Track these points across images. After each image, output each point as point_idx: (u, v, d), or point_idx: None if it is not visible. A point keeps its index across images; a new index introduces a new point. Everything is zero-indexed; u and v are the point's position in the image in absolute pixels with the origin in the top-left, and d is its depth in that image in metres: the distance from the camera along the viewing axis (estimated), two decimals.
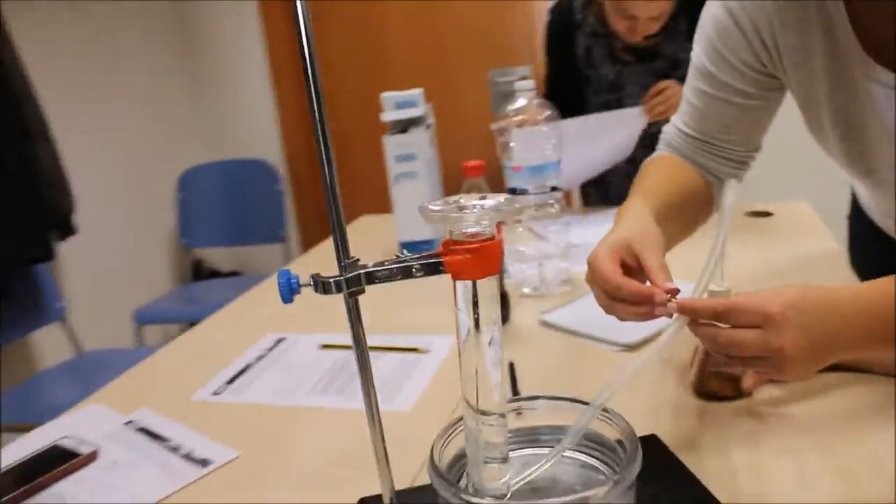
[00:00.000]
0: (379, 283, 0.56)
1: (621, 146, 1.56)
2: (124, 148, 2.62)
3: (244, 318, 1.29)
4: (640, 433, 0.61)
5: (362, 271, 0.56)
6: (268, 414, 0.95)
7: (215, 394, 1.02)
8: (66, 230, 2.16)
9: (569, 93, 1.66)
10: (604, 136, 1.50)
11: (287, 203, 2.79)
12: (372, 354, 1.04)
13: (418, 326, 1.16)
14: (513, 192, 1.21)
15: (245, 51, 2.87)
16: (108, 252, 2.51)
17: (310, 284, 0.57)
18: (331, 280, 0.56)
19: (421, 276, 0.56)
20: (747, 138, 0.96)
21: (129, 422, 0.97)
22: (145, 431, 0.94)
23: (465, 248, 0.54)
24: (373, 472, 0.62)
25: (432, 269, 0.56)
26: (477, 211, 0.54)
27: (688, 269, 0.79)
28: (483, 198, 0.57)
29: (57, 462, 0.88)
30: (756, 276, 1.20)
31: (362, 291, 0.57)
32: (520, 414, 0.68)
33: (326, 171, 0.54)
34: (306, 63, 0.51)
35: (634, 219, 0.81)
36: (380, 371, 1.02)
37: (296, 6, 0.51)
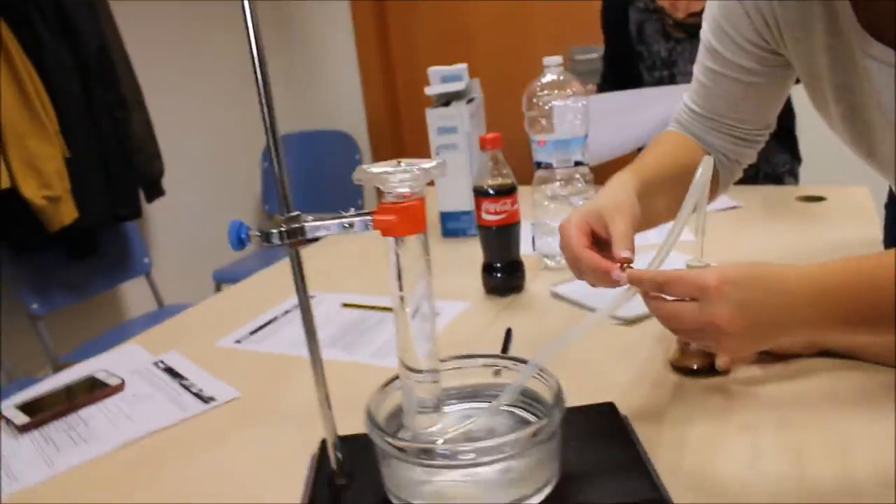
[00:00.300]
0: (315, 235, 0.61)
1: (654, 124, 1.54)
2: (215, 118, 2.78)
3: (282, 276, 1.38)
4: (612, 402, 0.64)
5: (305, 224, 0.61)
6: (277, 362, 1.03)
7: (237, 342, 1.11)
8: (155, 192, 2.33)
9: (624, 70, 1.65)
10: (636, 112, 1.49)
11: None
12: (379, 314, 1.11)
13: (438, 291, 1.20)
14: (538, 165, 1.23)
15: (334, 25, 2.96)
16: (194, 214, 2.68)
17: (257, 234, 0.62)
18: (274, 231, 0.61)
19: (353, 232, 0.61)
20: (756, 116, 0.95)
21: (159, 362, 1.06)
22: (168, 370, 1.03)
23: (390, 206, 0.58)
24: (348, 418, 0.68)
25: (364, 225, 0.60)
26: (398, 173, 0.58)
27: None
28: (412, 164, 0.61)
29: (89, 390, 0.98)
30: (786, 260, 1.17)
31: (303, 243, 0.62)
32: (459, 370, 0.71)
33: (268, 124, 0.59)
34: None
35: (612, 189, 0.82)
36: (386, 329, 1.08)
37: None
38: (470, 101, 1.46)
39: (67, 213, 1.92)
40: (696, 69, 0.95)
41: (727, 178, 1.00)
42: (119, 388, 0.99)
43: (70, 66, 1.97)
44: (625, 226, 0.76)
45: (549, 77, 1.21)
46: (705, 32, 0.92)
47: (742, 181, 1.06)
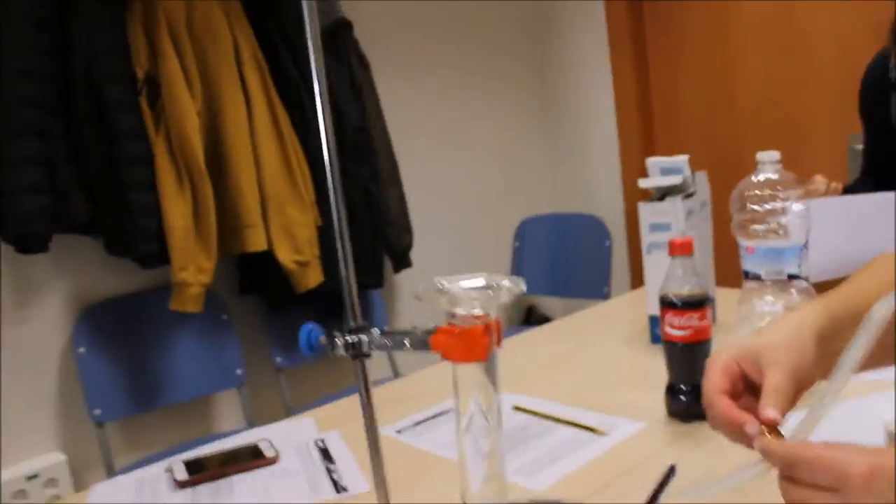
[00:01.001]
0: (375, 350, 0.58)
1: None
2: (468, 195, 2.87)
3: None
4: None
5: (361, 337, 0.58)
6: (423, 459, 0.99)
7: (398, 431, 1.09)
8: (402, 263, 2.45)
9: (889, 164, 1.40)
10: (872, 221, 1.23)
11: (616, 262, 2.77)
12: (546, 424, 1.03)
13: (617, 406, 1.09)
14: (745, 275, 1.08)
15: (596, 109, 2.94)
16: None
17: (324, 342, 0.60)
18: (339, 342, 0.59)
19: (410, 350, 0.56)
20: None
21: (319, 440, 1.08)
22: (323, 451, 1.04)
23: (447, 329, 0.53)
24: None
25: (422, 345, 0.56)
26: (452, 293, 0.52)
27: None
28: (489, 282, 0.55)
29: (247, 458, 1.03)
30: None
31: (365, 355, 0.59)
32: None
33: (339, 237, 0.57)
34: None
35: (784, 324, 0.67)
36: (544, 442, 0.99)
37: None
38: (689, 196, 1.33)
39: (314, 276, 2.09)
40: None
41: None
42: (273, 460, 1.02)
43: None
44: (782, 376, 0.61)
45: (762, 175, 1.06)
46: None
47: None
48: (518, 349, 1.45)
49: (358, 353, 0.59)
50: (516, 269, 2.89)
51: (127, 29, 1.84)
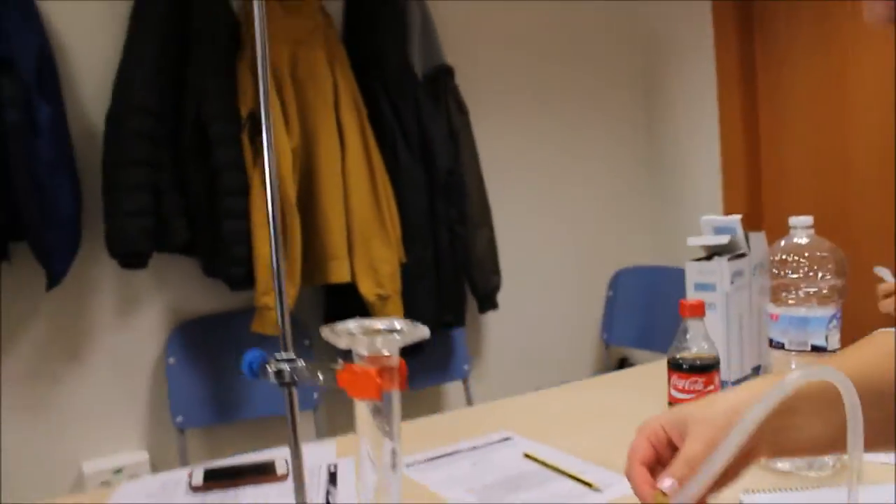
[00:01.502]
0: (298, 379, 0.62)
1: None
2: (566, 240, 2.87)
3: (518, 411, 1.37)
4: None
5: (283, 367, 0.63)
6: (419, 495, 1.01)
7: (408, 466, 1.12)
8: (488, 305, 2.48)
9: None
10: None
11: None
12: (547, 474, 1.04)
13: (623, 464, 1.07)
14: (770, 342, 1.04)
15: (703, 164, 2.87)
16: (523, 331, 2.76)
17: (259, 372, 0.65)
18: (270, 370, 0.64)
19: (321, 385, 0.60)
20: None
21: (332, 465, 1.13)
22: (331, 476, 1.09)
23: (351, 367, 0.57)
24: None
25: (332, 380, 0.59)
26: (350, 332, 0.56)
27: None
28: (391, 326, 0.58)
29: (259, 473, 1.09)
30: None
31: (291, 384, 0.63)
32: None
33: (275, 264, 0.62)
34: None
35: (725, 398, 0.66)
36: (537, 492, 1.00)
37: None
38: (738, 256, 1.29)
39: (394, 311, 2.16)
40: None
41: None
42: (283, 478, 1.08)
43: (421, 184, 2.25)
44: (697, 447, 0.59)
45: (795, 240, 1.03)
46: None
47: None
48: (566, 397, 1.44)
49: (283, 382, 0.64)
50: (608, 319, 2.84)
51: (236, 71, 2.01)
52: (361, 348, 0.56)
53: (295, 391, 0.68)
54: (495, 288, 2.50)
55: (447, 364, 2.47)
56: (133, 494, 1.06)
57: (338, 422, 2.29)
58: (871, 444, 0.59)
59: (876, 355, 0.72)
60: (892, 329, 0.76)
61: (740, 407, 0.62)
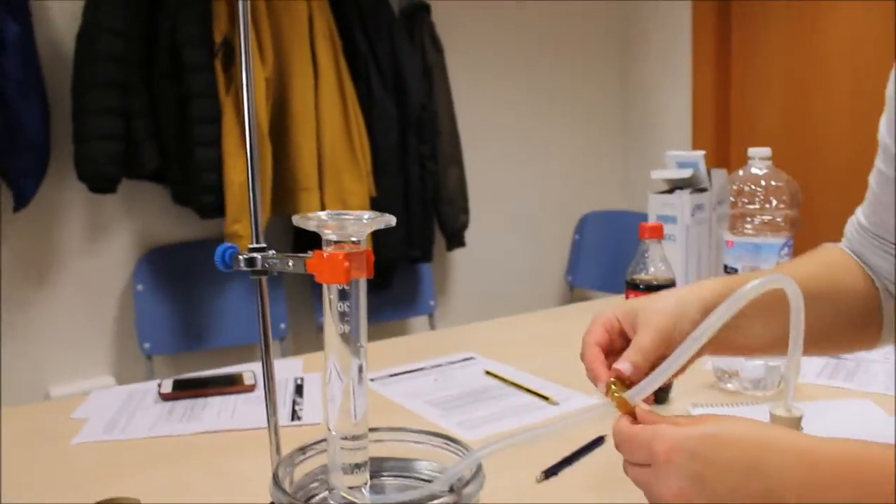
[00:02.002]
0: (269, 268, 0.65)
1: None
2: (536, 182, 2.89)
3: (481, 336, 1.41)
4: None
5: (256, 256, 0.65)
6: (383, 406, 1.05)
7: (372, 380, 1.16)
8: (456, 242, 2.51)
9: None
10: None
11: None
12: (507, 389, 1.08)
13: (582, 382, 1.12)
14: (725, 269, 1.08)
15: (674, 113, 2.90)
16: (489, 269, 2.81)
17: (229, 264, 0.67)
18: (241, 258, 0.66)
19: (293, 270, 0.63)
20: None
21: (300, 378, 1.17)
22: (298, 388, 1.12)
23: (319, 253, 0.59)
24: None
25: (301, 266, 0.62)
26: (320, 219, 0.58)
27: None
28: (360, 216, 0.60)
29: (227, 384, 1.12)
30: None
31: (261, 272, 0.66)
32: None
33: (250, 170, 0.64)
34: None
35: (674, 293, 0.69)
36: (497, 404, 1.04)
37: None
38: (699, 191, 1.33)
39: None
40: (871, 175, 0.76)
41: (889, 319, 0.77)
42: (250, 388, 1.11)
43: (393, 118, 2.25)
44: (649, 337, 0.63)
45: (753, 170, 1.06)
46: (881, 127, 0.74)
47: None
48: (528, 325, 1.49)
49: (254, 270, 0.66)
50: (573, 262, 2.90)
51: None
52: (331, 233, 0.58)
53: (265, 282, 0.70)
54: (463, 226, 2.53)
55: (414, 299, 2.50)
56: (102, 403, 1.09)
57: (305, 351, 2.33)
58: (805, 347, 0.63)
59: (818, 265, 0.77)
60: (838, 244, 0.81)
61: (689, 298, 0.66)
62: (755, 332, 0.70)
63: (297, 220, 0.60)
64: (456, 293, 2.73)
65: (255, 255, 0.66)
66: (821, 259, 0.78)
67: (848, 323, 0.75)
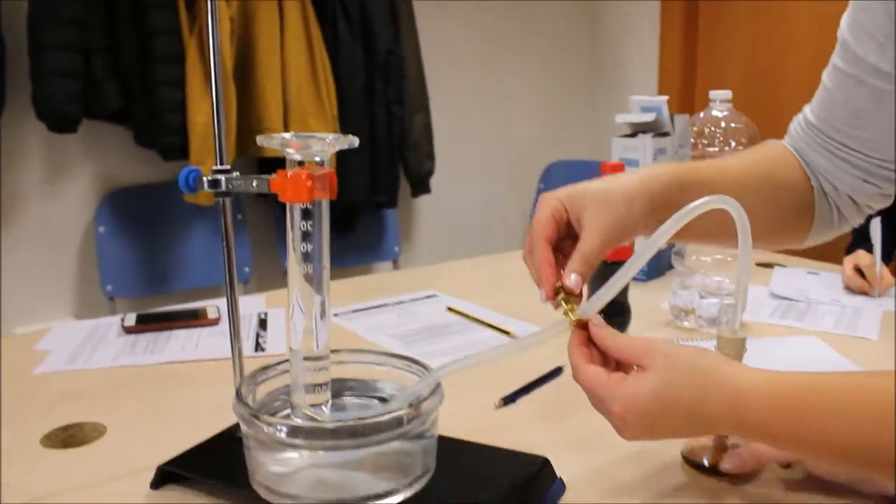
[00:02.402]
0: (233, 189, 0.65)
1: None
2: (502, 129, 2.90)
3: (444, 275, 1.43)
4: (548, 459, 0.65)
5: (220, 178, 0.65)
6: (346, 340, 1.06)
7: (335, 315, 1.17)
8: (421, 189, 2.51)
9: None
10: None
11: None
12: (468, 325, 1.09)
13: (545, 318, 1.14)
14: None
15: (641, 58, 2.91)
16: (455, 217, 2.82)
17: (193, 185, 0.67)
18: (206, 178, 0.66)
19: (257, 190, 0.63)
20: (879, 140, 0.73)
21: (264, 312, 1.18)
22: (262, 322, 1.13)
23: (282, 173, 0.60)
24: None
25: (266, 186, 0.62)
26: (285, 139, 0.59)
27: None
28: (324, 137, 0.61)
29: (191, 317, 1.13)
30: None
31: (225, 194, 0.66)
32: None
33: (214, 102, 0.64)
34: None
35: (631, 175, 0.70)
36: (458, 337, 1.06)
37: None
38: (662, 135, 1.35)
39: None
40: (824, 72, 0.78)
41: (827, 219, 0.79)
42: (214, 322, 1.12)
43: (360, 62, 2.23)
44: (596, 246, 0.63)
45: (714, 112, 1.08)
46: (841, 25, 0.75)
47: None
48: (491, 265, 1.51)
49: (219, 193, 0.66)
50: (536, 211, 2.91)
51: None
52: (295, 153, 0.59)
53: (229, 203, 0.71)
54: (429, 172, 2.52)
55: (378, 244, 2.51)
56: (65, 336, 1.09)
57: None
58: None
59: (759, 158, 0.80)
60: (781, 140, 0.83)
61: (637, 193, 0.66)
62: (707, 220, 0.69)
63: (261, 139, 0.60)
64: (420, 239, 2.75)
65: (218, 176, 0.66)
66: (762, 153, 0.80)
67: (781, 217, 0.78)
